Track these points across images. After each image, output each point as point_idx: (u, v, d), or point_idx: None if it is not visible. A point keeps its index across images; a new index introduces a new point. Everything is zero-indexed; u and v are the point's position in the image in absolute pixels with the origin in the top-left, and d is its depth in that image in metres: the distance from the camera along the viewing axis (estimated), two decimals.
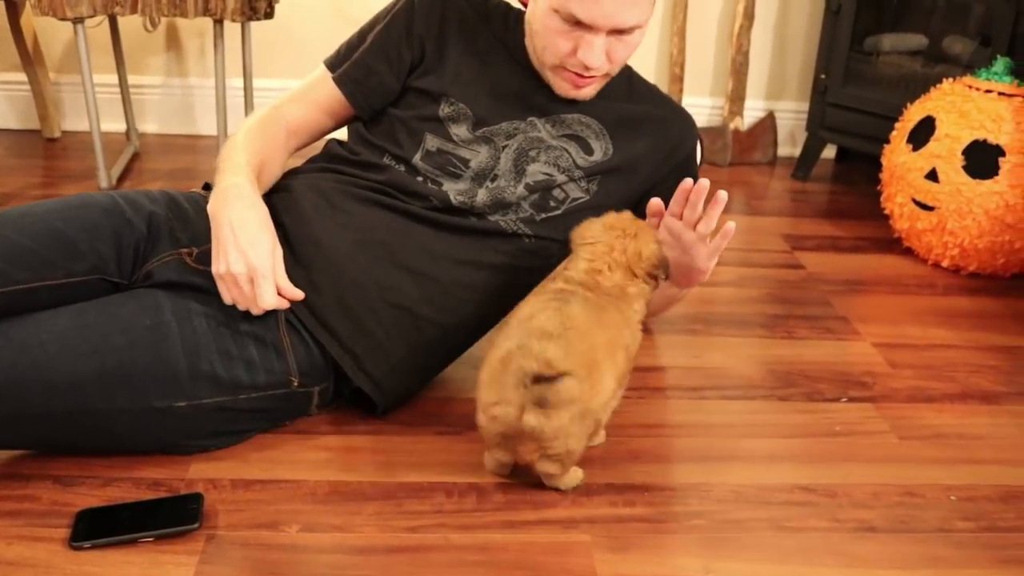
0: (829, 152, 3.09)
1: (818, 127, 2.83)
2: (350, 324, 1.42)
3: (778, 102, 3.13)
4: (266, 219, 1.39)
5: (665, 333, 1.87)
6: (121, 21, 2.70)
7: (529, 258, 1.53)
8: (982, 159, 2.14)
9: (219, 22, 2.35)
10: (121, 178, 2.56)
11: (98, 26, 2.67)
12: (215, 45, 2.41)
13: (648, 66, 3.02)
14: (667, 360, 1.77)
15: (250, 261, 1.32)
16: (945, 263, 2.27)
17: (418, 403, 1.55)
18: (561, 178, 1.55)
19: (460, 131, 1.54)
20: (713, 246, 1.43)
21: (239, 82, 2.71)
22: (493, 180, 1.53)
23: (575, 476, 1.36)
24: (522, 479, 1.37)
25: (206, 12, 2.29)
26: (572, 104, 1.57)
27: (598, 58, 1.45)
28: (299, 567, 1.19)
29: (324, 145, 1.65)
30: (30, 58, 2.71)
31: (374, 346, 1.44)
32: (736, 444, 1.51)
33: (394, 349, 1.45)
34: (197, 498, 1.27)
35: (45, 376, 1.24)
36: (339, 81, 1.60)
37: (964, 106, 2.18)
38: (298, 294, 1.38)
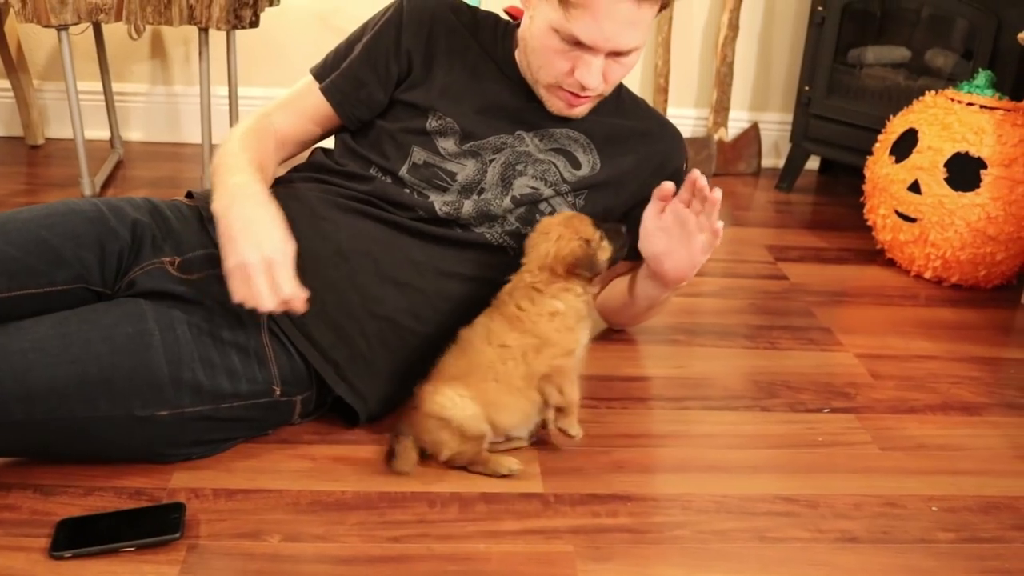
0: (813, 163, 3.12)
1: (802, 138, 2.85)
2: (332, 334, 1.42)
3: (762, 113, 3.15)
4: (278, 217, 1.36)
5: (648, 343, 1.87)
6: (106, 28, 2.70)
7: (513, 271, 1.53)
8: (964, 171, 2.15)
9: (204, 30, 2.35)
10: (105, 186, 2.55)
11: (82, 33, 2.67)
12: (200, 53, 2.40)
13: (633, 77, 3.02)
14: (650, 370, 1.77)
15: (265, 250, 1.29)
16: (927, 275, 2.28)
17: (401, 412, 1.54)
18: (548, 192, 1.56)
19: (447, 144, 1.54)
20: (707, 241, 1.47)
21: (224, 90, 2.71)
22: (480, 193, 1.53)
23: (507, 463, 1.41)
24: (505, 489, 1.37)
25: (191, 20, 2.29)
26: (561, 119, 1.57)
27: (595, 79, 1.45)
28: None
29: (309, 154, 1.65)
30: (14, 65, 2.70)
31: (356, 355, 1.43)
32: (719, 454, 1.52)
33: (376, 359, 1.45)
34: (179, 507, 1.26)
35: (26, 384, 1.23)
36: (326, 91, 1.59)
37: (946, 119, 2.20)
38: (305, 295, 1.33)
